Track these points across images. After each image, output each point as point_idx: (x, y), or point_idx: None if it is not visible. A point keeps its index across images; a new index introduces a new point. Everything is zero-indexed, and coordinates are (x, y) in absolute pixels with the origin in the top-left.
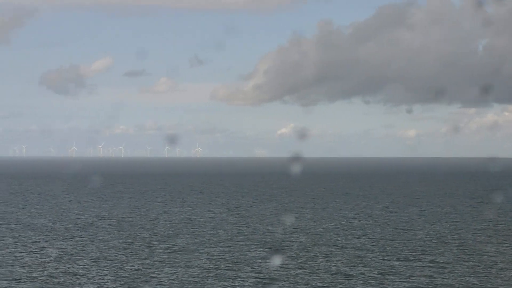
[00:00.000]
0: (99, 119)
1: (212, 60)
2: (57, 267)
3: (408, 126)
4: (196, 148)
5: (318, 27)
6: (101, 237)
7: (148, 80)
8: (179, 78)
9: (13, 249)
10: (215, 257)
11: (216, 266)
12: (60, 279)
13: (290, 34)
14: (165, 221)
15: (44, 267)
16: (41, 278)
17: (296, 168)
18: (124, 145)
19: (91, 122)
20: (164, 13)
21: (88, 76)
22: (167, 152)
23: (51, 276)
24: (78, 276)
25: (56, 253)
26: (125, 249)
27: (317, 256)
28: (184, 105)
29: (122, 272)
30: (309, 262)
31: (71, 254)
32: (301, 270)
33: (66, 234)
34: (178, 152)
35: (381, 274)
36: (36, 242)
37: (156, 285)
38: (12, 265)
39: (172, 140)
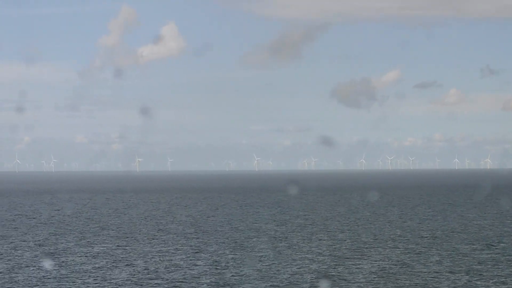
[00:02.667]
0: (387, 131)
1: (505, 70)
2: None
3: None
4: (486, 159)
5: None
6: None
7: (438, 91)
8: (468, 88)
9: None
10: None
11: None
12: None
13: None
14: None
15: None
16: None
17: None
18: (413, 157)
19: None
20: (454, 23)
21: (379, 88)
22: (456, 164)
23: None
24: None
25: None
26: None
27: None
28: (473, 117)
29: None
30: None
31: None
32: None
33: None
34: (467, 163)
35: None
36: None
37: None
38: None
39: None
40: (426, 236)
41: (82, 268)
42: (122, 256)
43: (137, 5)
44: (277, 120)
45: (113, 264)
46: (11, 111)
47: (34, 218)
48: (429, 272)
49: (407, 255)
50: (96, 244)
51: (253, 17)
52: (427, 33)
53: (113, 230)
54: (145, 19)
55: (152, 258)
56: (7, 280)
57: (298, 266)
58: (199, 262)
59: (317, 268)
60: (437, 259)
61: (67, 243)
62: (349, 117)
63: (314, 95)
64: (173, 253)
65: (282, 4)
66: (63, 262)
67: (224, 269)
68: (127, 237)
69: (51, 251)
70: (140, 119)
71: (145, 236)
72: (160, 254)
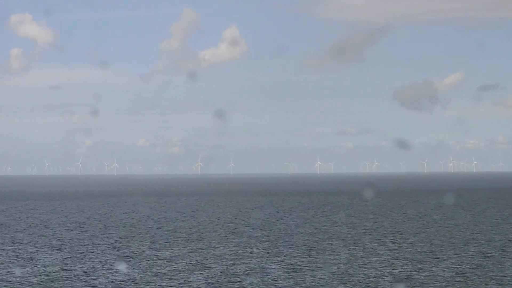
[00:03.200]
0: (450, 134)
1: None
2: None
3: None
4: None
5: None
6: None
7: (501, 93)
8: None
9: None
10: None
11: None
12: None
13: None
14: None
15: None
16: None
17: None
18: (476, 160)
19: (442, 137)
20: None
21: (441, 91)
22: None
23: None
24: None
25: None
26: None
27: None
28: None
29: None
30: None
31: None
32: None
33: None
34: None
35: None
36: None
37: None
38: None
39: None
40: (499, 239)
41: (159, 271)
42: (196, 259)
43: (199, 9)
44: (338, 123)
45: (189, 267)
46: (73, 115)
47: (103, 221)
48: (505, 276)
49: (482, 259)
50: (169, 247)
51: (314, 20)
52: (489, 35)
53: (184, 233)
54: (207, 23)
55: (228, 261)
56: (85, 284)
57: (373, 269)
58: (274, 265)
59: (392, 271)
60: None
61: (140, 246)
62: (410, 119)
63: (375, 98)
64: (247, 256)
65: (344, 6)
66: (139, 265)
67: (299, 272)
68: (200, 240)
69: (126, 254)
70: (201, 122)
71: (217, 239)
72: (235, 257)
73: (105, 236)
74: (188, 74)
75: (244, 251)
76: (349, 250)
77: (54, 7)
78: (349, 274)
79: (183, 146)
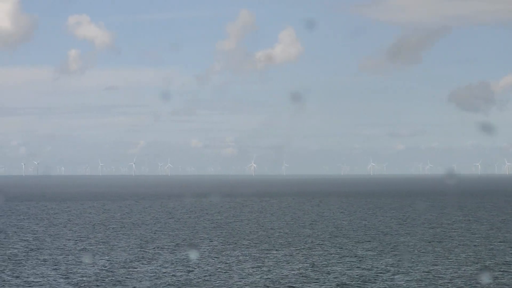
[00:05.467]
0: (505, 136)
1: None
2: None
3: None
4: None
5: None
6: None
7: None
8: None
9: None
10: None
11: None
12: None
13: None
14: None
15: None
16: None
17: None
18: None
19: (496, 139)
20: None
21: (498, 92)
22: None
23: None
24: None
25: None
26: None
27: None
28: None
29: None
30: None
31: None
32: None
33: None
34: None
35: None
36: None
37: None
38: None
39: None
40: None
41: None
42: (286, 259)
43: (255, 9)
44: (391, 125)
45: (274, 268)
46: (128, 115)
47: (171, 219)
48: None
49: None
50: (244, 248)
51: (369, 22)
52: None
53: (251, 234)
54: (263, 24)
55: (305, 262)
56: (184, 283)
57: (459, 271)
58: (357, 268)
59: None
60: None
61: (213, 246)
62: (466, 121)
63: (430, 99)
64: (325, 257)
65: (399, 8)
66: (211, 263)
67: (383, 273)
68: (266, 243)
69: (201, 253)
70: (255, 123)
71: (285, 240)
72: (316, 259)
73: (176, 236)
74: (243, 75)
75: (320, 252)
76: (433, 250)
77: (111, 9)
78: (436, 274)
79: (236, 147)
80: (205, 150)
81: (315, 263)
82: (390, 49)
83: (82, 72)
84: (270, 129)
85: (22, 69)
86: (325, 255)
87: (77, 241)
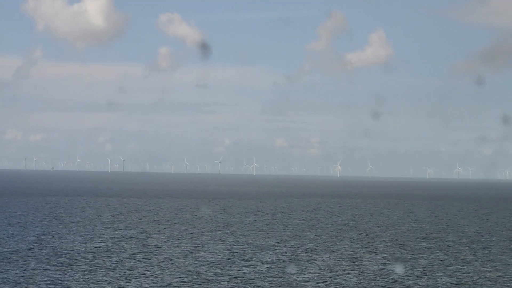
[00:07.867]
0: None
1: None
2: None
3: None
4: None
5: None
6: None
7: None
8: None
9: None
10: None
11: None
12: None
13: None
14: None
15: None
16: None
17: None
18: None
19: None
20: None
21: None
22: None
23: None
24: None
25: None
26: None
27: None
28: None
29: None
30: None
31: None
32: None
33: None
34: None
35: None
36: None
37: None
38: None
39: None
40: None
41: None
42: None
43: (346, 11)
44: (480, 129)
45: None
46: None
47: (276, 219)
48: None
49: None
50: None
51: (462, 24)
52: None
53: (354, 234)
54: (354, 25)
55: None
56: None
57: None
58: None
59: None
60: None
61: (314, 244)
62: None
63: None
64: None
65: (493, 11)
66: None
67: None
68: (368, 244)
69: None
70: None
71: (386, 242)
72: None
73: (274, 234)
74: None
75: (412, 255)
76: None
77: (202, 7)
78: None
79: (321, 148)
80: (290, 150)
81: (425, 268)
82: (484, 52)
83: (173, 69)
84: (355, 130)
85: (114, 65)
86: (441, 259)
87: (192, 239)
